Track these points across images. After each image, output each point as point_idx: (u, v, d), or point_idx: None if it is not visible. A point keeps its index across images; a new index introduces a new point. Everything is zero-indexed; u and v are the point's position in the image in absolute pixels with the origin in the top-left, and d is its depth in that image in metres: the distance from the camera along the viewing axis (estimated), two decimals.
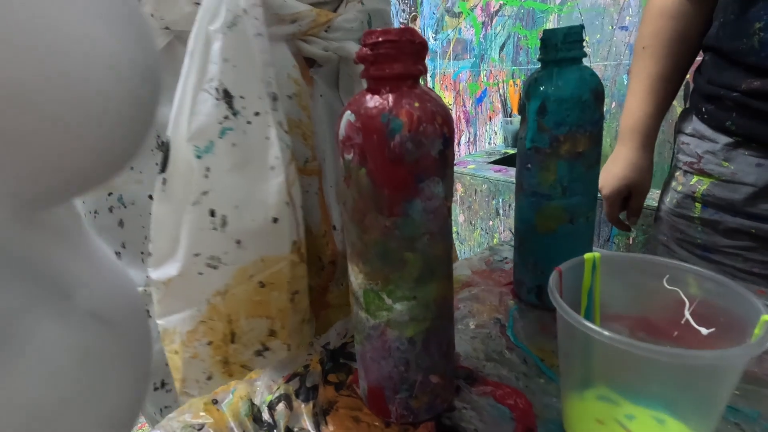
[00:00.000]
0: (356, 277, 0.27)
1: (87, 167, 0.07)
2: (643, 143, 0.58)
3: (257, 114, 0.35)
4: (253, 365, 0.39)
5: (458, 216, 1.41)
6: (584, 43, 0.35)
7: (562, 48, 0.34)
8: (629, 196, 0.61)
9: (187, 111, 0.34)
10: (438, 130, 0.23)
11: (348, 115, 0.24)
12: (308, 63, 0.42)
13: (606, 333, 0.21)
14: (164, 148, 0.35)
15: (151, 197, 0.41)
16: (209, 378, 0.38)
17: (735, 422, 0.28)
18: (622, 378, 0.25)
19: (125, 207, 0.42)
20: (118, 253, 0.43)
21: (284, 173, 0.36)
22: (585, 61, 0.35)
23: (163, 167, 0.35)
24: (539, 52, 0.36)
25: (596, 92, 0.35)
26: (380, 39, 0.23)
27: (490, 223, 1.32)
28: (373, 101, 0.23)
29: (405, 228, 0.24)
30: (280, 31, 0.38)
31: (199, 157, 0.34)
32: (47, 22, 0.06)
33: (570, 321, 0.22)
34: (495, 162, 1.43)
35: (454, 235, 1.49)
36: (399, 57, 0.23)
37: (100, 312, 0.08)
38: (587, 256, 0.26)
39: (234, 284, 0.36)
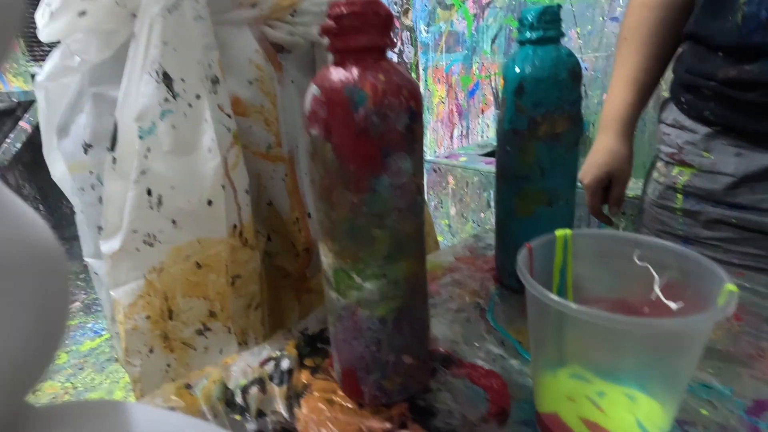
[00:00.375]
0: (326, 257, 0.27)
1: None
2: (622, 132, 0.58)
3: (198, 97, 0.36)
4: (194, 344, 0.40)
5: (450, 209, 1.41)
6: (562, 23, 0.35)
7: (538, 27, 0.34)
8: (610, 187, 0.61)
9: (133, 93, 0.35)
10: (404, 103, 0.23)
11: (313, 90, 0.24)
12: (277, 48, 0.42)
13: (573, 306, 0.21)
14: (113, 128, 0.36)
15: None
16: (151, 351, 0.40)
17: (708, 399, 0.27)
18: (593, 354, 0.24)
19: (102, 185, 0.42)
20: (100, 228, 0.44)
21: (220, 156, 0.36)
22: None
23: (112, 146, 0.37)
24: (518, 33, 0.36)
25: (573, 72, 0.34)
26: (344, 11, 0.22)
27: (482, 215, 1.32)
28: (337, 74, 0.23)
29: (372, 204, 0.24)
30: (241, 16, 0.38)
31: (141, 137, 0.35)
32: None
33: (537, 296, 0.22)
34: (487, 154, 1.43)
35: (446, 228, 1.49)
36: (364, 29, 0.23)
37: (5, 264, 0.08)
38: (558, 233, 0.26)
39: (170, 262, 0.38)
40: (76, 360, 1.49)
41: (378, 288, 0.26)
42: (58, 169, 0.50)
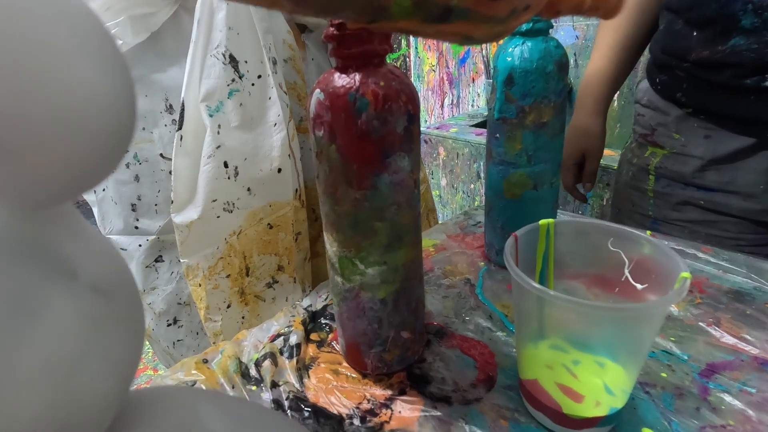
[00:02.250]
0: (331, 245, 0.29)
1: (75, 181, 0.08)
2: (595, 110, 0.60)
3: (259, 77, 0.40)
4: (264, 296, 0.46)
5: (441, 179, 1.43)
6: None
7: (528, 19, 0.35)
8: (584, 163, 0.63)
9: (198, 75, 0.39)
10: (403, 107, 0.25)
11: (317, 94, 0.25)
12: (300, 29, 0.46)
13: (551, 292, 0.23)
14: (180, 108, 0.40)
15: (161, 155, 0.46)
16: (228, 306, 0.45)
17: (668, 364, 0.31)
18: (569, 328, 0.28)
19: (140, 163, 0.46)
20: (133, 205, 0.48)
21: (285, 129, 0.41)
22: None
23: (180, 125, 0.40)
24: None
25: (560, 63, 0.36)
26: None
27: (472, 186, 1.35)
28: (340, 80, 0.24)
29: (374, 200, 0.26)
30: None
31: (211, 116, 0.39)
32: (53, 74, 0.07)
33: (521, 284, 0.25)
34: (477, 125, 1.44)
35: (437, 199, 1.51)
36: (365, 36, 0.24)
37: (98, 285, 0.10)
38: (542, 222, 0.29)
39: (246, 226, 0.43)
40: None
41: (379, 273, 0.29)
42: None
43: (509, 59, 0.36)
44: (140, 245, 0.48)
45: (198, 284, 0.44)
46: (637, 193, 0.57)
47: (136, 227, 0.48)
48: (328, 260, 0.31)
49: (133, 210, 0.48)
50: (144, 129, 0.45)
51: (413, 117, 0.26)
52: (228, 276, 0.44)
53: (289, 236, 0.45)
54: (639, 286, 0.27)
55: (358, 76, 0.24)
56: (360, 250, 0.28)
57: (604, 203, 1.07)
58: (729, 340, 0.33)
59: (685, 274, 0.22)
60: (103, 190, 0.48)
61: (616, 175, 0.63)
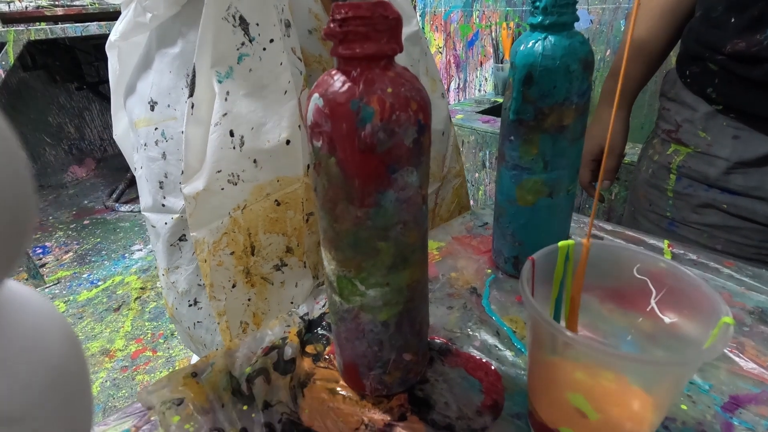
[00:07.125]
0: (329, 263, 0.27)
1: None
2: (620, 104, 0.57)
3: (272, 41, 0.38)
4: (272, 279, 0.44)
5: None
6: (577, 6, 0.32)
7: (552, 12, 0.32)
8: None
9: (210, 39, 0.37)
10: (412, 117, 0.22)
11: (315, 99, 0.22)
12: None
13: (569, 334, 0.21)
14: (192, 74, 0.38)
15: (182, 133, 0.44)
16: (234, 286, 0.43)
17: (688, 394, 0.29)
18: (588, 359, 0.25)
19: (167, 141, 0.45)
20: (161, 182, 0.47)
21: (297, 97, 0.39)
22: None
23: (191, 92, 0.38)
24: (530, 15, 0.34)
25: (585, 62, 0.33)
26: (350, 14, 0.21)
27: (477, 175, 1.31)
28: (342, 85, 0.21)
29: (377, 218, 0.24)
30: None
31: (220, 81, 0.37)
32: None
33: (539, 319, 0.22)
34: (484, 112, 1.39)
35: None
36: (371, 35, 0.21)
37: (4, 415, 0.07)
38: (561, 244, 0.26)
39: (252, 200, 0.41)
40: (75, 310, 1.52)
41: (381, 295, 0.26)
42: (121, 127, 0.52)
43: (528, 56, 0.33)
44: (166, 223, 0.48)
45: (204, 260, 0.42)
46: (656, 192, 0.54)
47: (163, 205, 0.47)
48: (326, 278, 0.28)
49: (161, 188, 0.47)
50: (169, 106, 0.44)
51: (424, 127, 0.23)
52: (232, 253, 0.42)
53: (299, 215, 0.42)
54: (667, 320, 0.24)
55: (362, 81, 0.21)
56: (360, 270, 0.25)
57: (613, 198, 1.04)
58: (754, 368, 0.31)
59: (728, 320, 0.20)
60: (141, 167, 0.47)
61: (635, 172, 0.60)
